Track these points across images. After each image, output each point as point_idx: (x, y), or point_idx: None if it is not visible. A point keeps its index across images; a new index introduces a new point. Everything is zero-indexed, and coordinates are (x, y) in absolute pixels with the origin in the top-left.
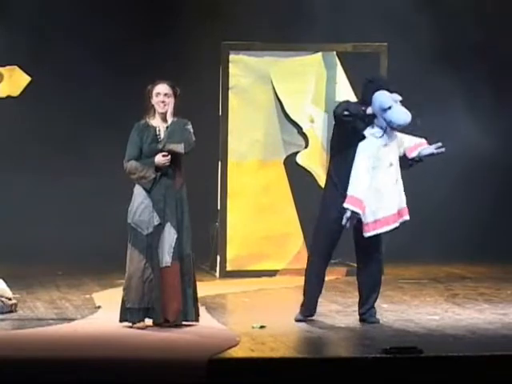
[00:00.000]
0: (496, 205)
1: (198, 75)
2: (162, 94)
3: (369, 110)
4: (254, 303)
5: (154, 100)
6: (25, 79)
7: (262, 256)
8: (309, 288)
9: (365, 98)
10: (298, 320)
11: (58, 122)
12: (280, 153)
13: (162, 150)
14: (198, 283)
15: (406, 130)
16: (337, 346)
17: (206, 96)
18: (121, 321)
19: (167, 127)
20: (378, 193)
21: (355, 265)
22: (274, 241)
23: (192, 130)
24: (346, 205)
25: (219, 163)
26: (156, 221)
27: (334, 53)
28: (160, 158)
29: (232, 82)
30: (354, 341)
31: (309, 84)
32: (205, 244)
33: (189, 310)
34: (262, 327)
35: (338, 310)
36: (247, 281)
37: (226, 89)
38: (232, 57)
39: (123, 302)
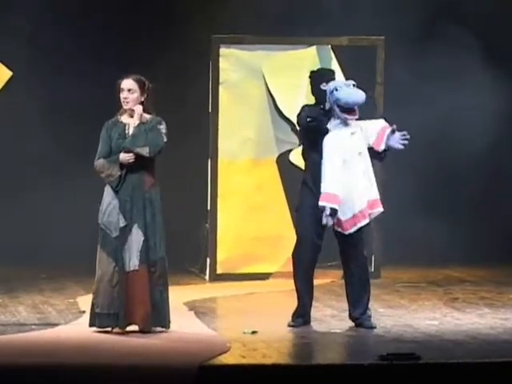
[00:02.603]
0: (496, 206)
1: (188, 70)
2: (125, 89)
3: (327, 106)
4: (246, 308)
5: (120, 96)
6: (6, 74)
7: (254, 258)
8: (300, 296)
9: (312, 91)
10: (291, 325)
11: (57, 121)
12: (273, 151)
13: (126, 150)
14: (186, 287)
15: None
16: (332, 353)
17: (196, 92)
18: (90, 325)
19: (135, 126)
20: (352, 186)
21: None
22: (267, 242)
23: (164, 131)
24: (321, 203)
25: (209, 162)
26: (122, 223)
27: (329, 46)
28: (124, 156)
29: (223, 76)
30: (349, 347)
31: (303, 79)
32: (194, 246)
33: (166, 316)
34: (253, 333)
35: (334, 314)
36: (238, 284)
37: (217, 84)
38: (223, 51)
39: (92, 306)
